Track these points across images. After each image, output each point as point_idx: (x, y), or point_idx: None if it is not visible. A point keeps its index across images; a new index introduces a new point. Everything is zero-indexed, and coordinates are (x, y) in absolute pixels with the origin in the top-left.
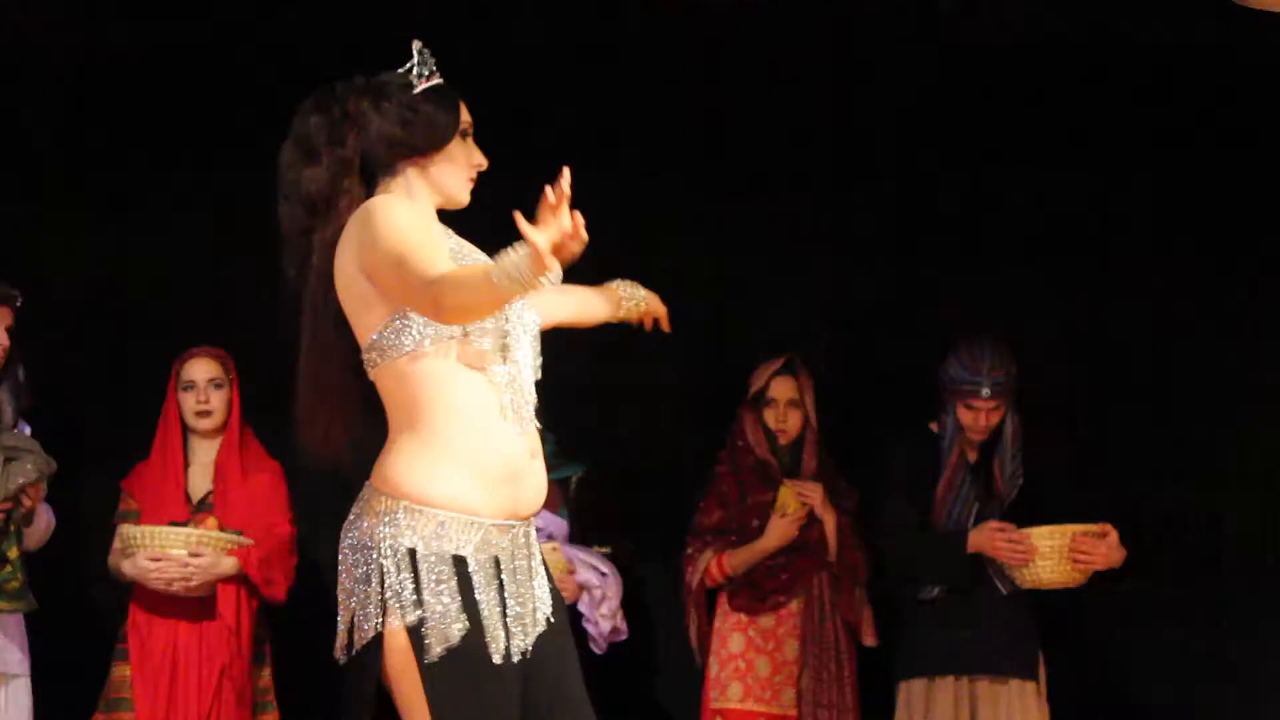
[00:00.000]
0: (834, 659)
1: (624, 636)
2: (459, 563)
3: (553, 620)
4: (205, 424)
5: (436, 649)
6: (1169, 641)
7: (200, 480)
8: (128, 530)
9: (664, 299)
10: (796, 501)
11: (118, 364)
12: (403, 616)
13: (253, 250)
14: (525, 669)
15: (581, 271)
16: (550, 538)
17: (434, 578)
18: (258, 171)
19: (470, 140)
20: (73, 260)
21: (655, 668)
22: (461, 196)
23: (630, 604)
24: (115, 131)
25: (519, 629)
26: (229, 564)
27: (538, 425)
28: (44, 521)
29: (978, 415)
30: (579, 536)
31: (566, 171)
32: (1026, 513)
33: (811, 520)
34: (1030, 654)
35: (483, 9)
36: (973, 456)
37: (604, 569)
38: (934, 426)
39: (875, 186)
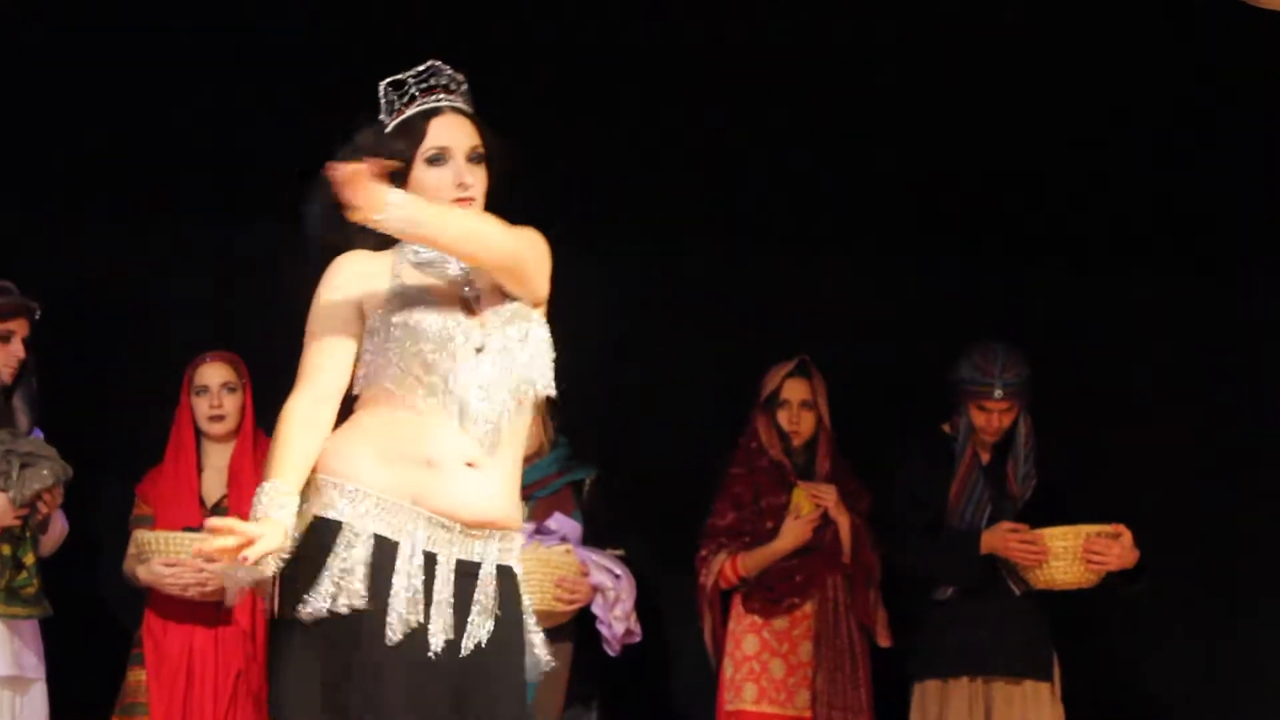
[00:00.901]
0: (848, 660)
1: (638, 639)
2: (330, 526)
3: (476, 648)
4: (219, 428)
5: (278, 606)
6: (1183, 642)
7: (214, 484)
8: (142, 535)
9: (678, 301)
10: (810, 503)
11: (131, 370)
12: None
13: (266, 254)
14: (418, 661)
15: (596, 278)
16: (564, 540)
17: (314, 541)
18: (268, 178)
19: (450, 164)
20: (82, 265)
21: (669, 670)
22: None
23: (644, 606)
24: (121, 134)
25: (401, 610)
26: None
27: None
28: (58, 528)
29: (990, 416)
30: (592, 539)
31: None
32: (1040, 513)
33: (825, 522)
34: (1044, 655)
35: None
36: (985, 458)
37: (617, 571)
38: (946, 428)
39: (887, 185)
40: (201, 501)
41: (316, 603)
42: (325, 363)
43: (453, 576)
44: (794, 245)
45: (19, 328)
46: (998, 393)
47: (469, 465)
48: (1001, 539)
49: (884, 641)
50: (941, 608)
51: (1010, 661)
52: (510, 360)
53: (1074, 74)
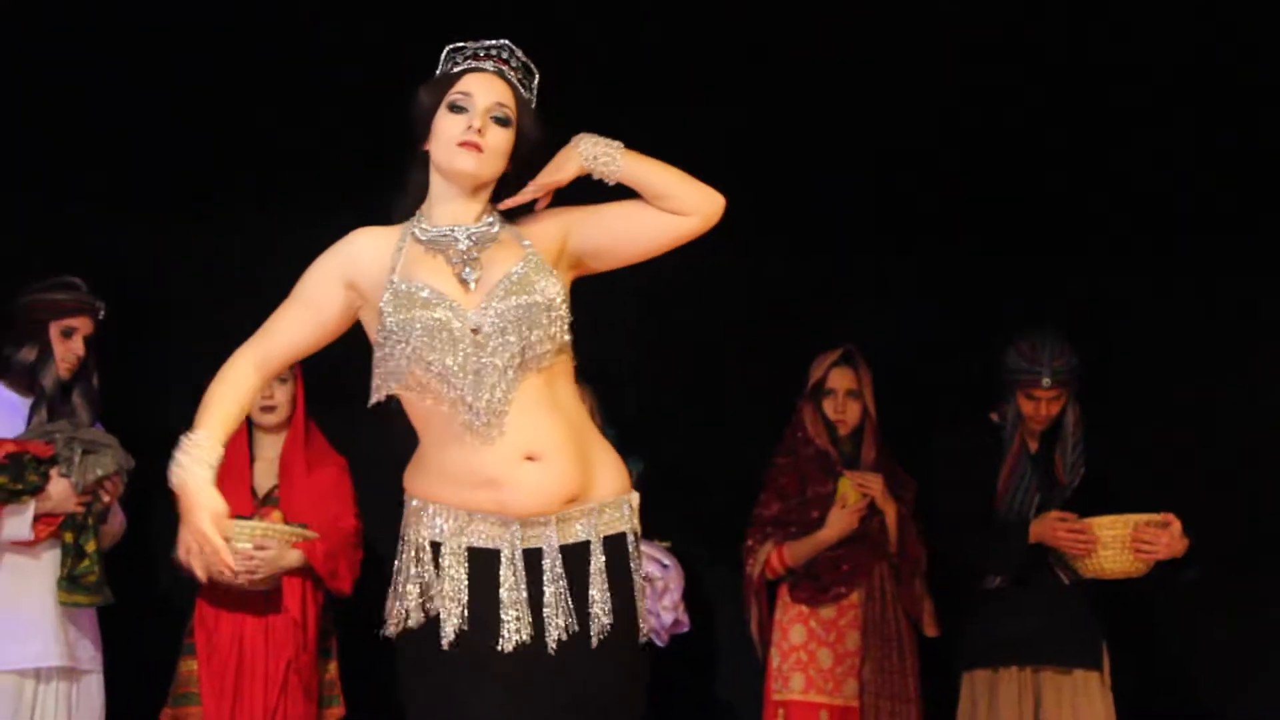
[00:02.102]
0: (896, 650)
1: (686, 629)
2: (434, 548)
3: (600, 637)
4: (270, 419)
5: (396, 628)
6: (1232, 631)
7: (265, 475)
8: None
9: (724, 293)
10: (856, 493)
11: (185, 362)
12: (395, 599)
13: (318, 246)
14: (536, 665)
15: (643, 270)
16: None
17: (409, 563)
18: (317, 167)
19: (469, 113)
20: (136, 260)
21: (717, 660)
22: (452, 166)
23: (692, 597)
24: (174, 133)
25: (513, 619)
26: (294, 557)
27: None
28: (117, 521)
29: (1038, 405)
30: (640, 529)
31: None
32: (1088, 502)
33: (872, 511)
34: (1094, 644)
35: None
36: (1034, 446)
37: (666, 561)
38: (994, 417)
39: (933, 173)
40: (253, 491)
41: (442, 626)
42: (284, 329)
43: (560, 564)
44: (840, 235)
45: (82, 325)
46: (1046, 381)
47: (529, 459)
48: (1050, 528)
49: (930, 631)
50: (990, 597)
51: (1059, 651)
52: (507, 337)
53: (1119, 64)
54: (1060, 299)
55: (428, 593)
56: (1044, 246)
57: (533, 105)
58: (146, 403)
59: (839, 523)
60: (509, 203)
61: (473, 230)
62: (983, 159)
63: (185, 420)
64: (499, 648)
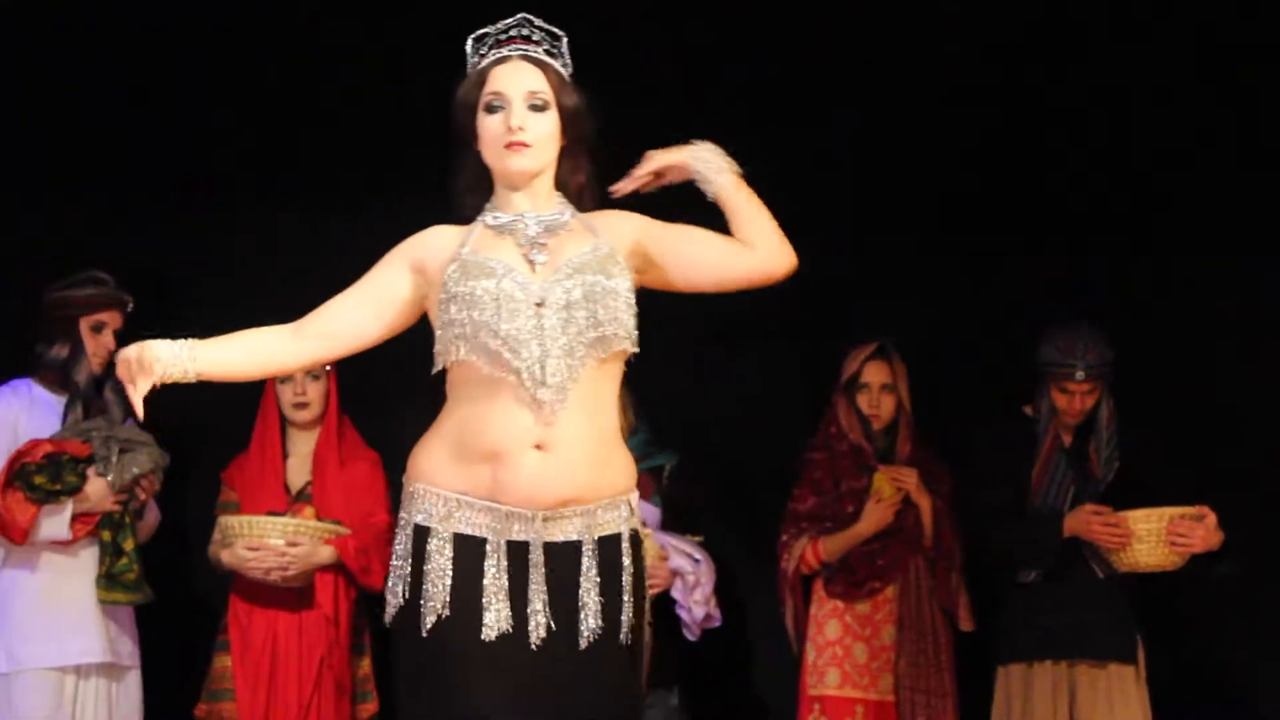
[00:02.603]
0: (931, 644)
1: (717, 623)
2: (419, 532)
3: (581, 638)
4: (303, 415)
5: (388, 615)
6: (1268, 624)
7: (299, 471)
8: (226, 520)
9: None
10: (891, 487)
11: None
12: (390, 583)
13: (352, 242)
14: (520, 660)
15: None
16: (643, 524)
17: (403, 547)
18: (354, 165)
19: (505, 110)
20: (168, 256)
21: (752, 655)
22: (506, 169)
23: (725, 592)
24: (206, 126)
25: (494, 609)
26: (326, 553)
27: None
28: (152, 516)
29: (1073, 398)
30: (672, 525)
31: None
32: (1123, 496)
33: (907, 505)
34: (1129, 638)
35: None
36: (1068, 440)
37: (697, 555)
38: (1028, 410)
39: (969, 169)
40: (286, 488)
41: (422, 613)
42: (338, 303)
43: (544, 562)
44: (874, 229)
45: (111, 320)
46: (1080, 374)
47: (537, 448)
48: (1084, 522)
49: (966, 626)
50: (1025, 591)
51: (1094, 645)
52: (574, 312)
53: (1167, 58)
54: (1094, 292)
55: (413, 577)
56: (1078, 239)
57: (568, 71)
58: (175, 397)
59: (874, 517)
60: (621, 187)
61: (543, 217)
62: (1016, 150)
63: (215, 413)
64: (482, 636)
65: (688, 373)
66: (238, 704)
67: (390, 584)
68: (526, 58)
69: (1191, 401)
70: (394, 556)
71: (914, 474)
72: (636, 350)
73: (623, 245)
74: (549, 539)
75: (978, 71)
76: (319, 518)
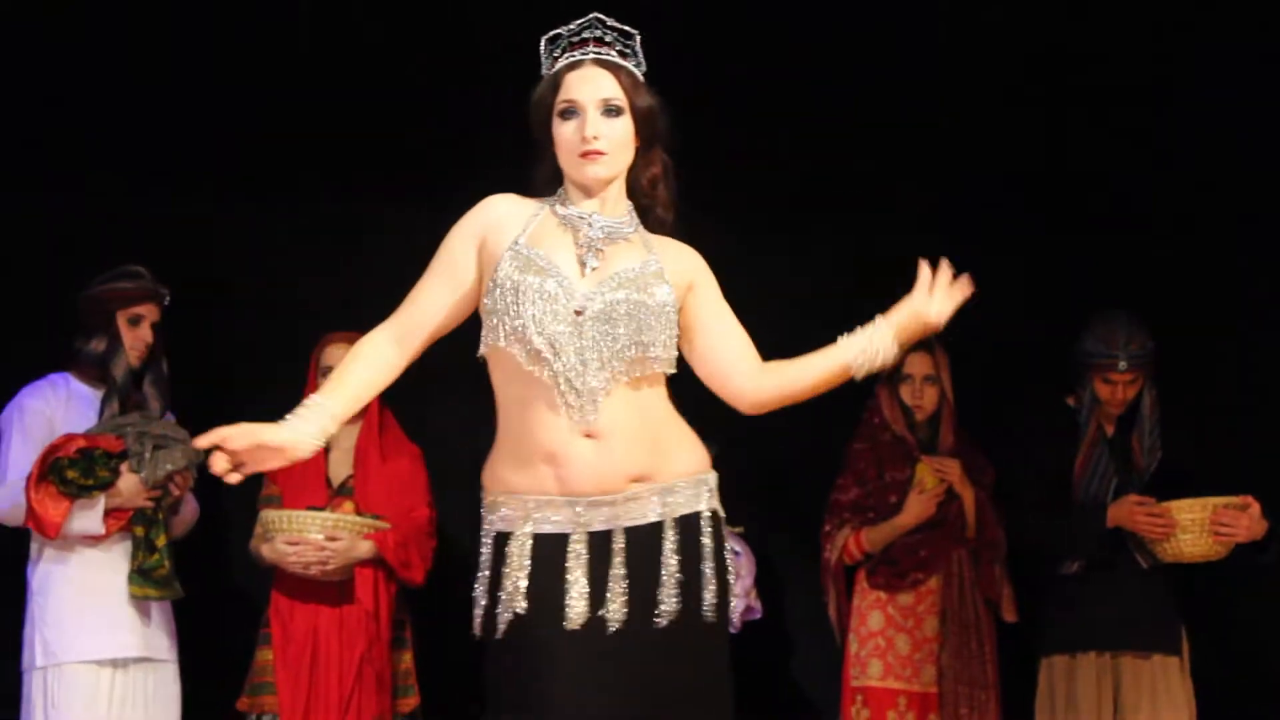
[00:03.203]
0: (975, 636)
1: (758, 615)
2: (499, 539)
3: (660, 618)
4: None
5: (476, 622)
6: None
7: (341, 465)
8: (267, 515)
9: (797, 278)
10: (934, 478)
11: (261, 351)
12: (476, 594)
13: (391, 234)
14: (603, 647)
15: (722, 254)
16: None
17: (485, 557)
18: (394, 163)
19: (580, 119)
20: (210, 248)
21: (794, 646)
22: (581, 177)
23: (766, 583)
24: (248, 116)
25: (576, 599)
26: (365, 547)
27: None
28: (190, 510)
29: (1115, 389)
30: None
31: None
32: (1166, 486)
33: (950, 496)
34: (1173, 628)
35: None
36: (1110, 430)
37: (737, 548)
38: (1071, 401)
39: (1009, 161)
40: (327, 481)
41: (500, 613)
42: (421, 300)
43: (625, 546)
44: (913, 221)
45: (149, 312)
46: (1122, 364)
47: (587, 436)
48: (1128, 512)
49: (1009, 616)
50: (1068, 582)
51: (1138, 636)
52: (614, 329)
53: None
54: (1135, 281)
55: (492, 581)
56: (1118, 228)
57: (641, 70)
58: (212, 390)
59: (917, 508)
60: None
61: (608, 223)
62: (1057, 137)
63: (251, 405)
64: (565, 627)
65: None
66: (279, 698)
67: (475, 593)
68: (599, 62)
69: (1234, 390)
70: (479, 568)
71: (957, 465)
72: (673, 372)
73: (678, 275)
74: (629, 523)
75: (1011, 66)
76: (359, 512)
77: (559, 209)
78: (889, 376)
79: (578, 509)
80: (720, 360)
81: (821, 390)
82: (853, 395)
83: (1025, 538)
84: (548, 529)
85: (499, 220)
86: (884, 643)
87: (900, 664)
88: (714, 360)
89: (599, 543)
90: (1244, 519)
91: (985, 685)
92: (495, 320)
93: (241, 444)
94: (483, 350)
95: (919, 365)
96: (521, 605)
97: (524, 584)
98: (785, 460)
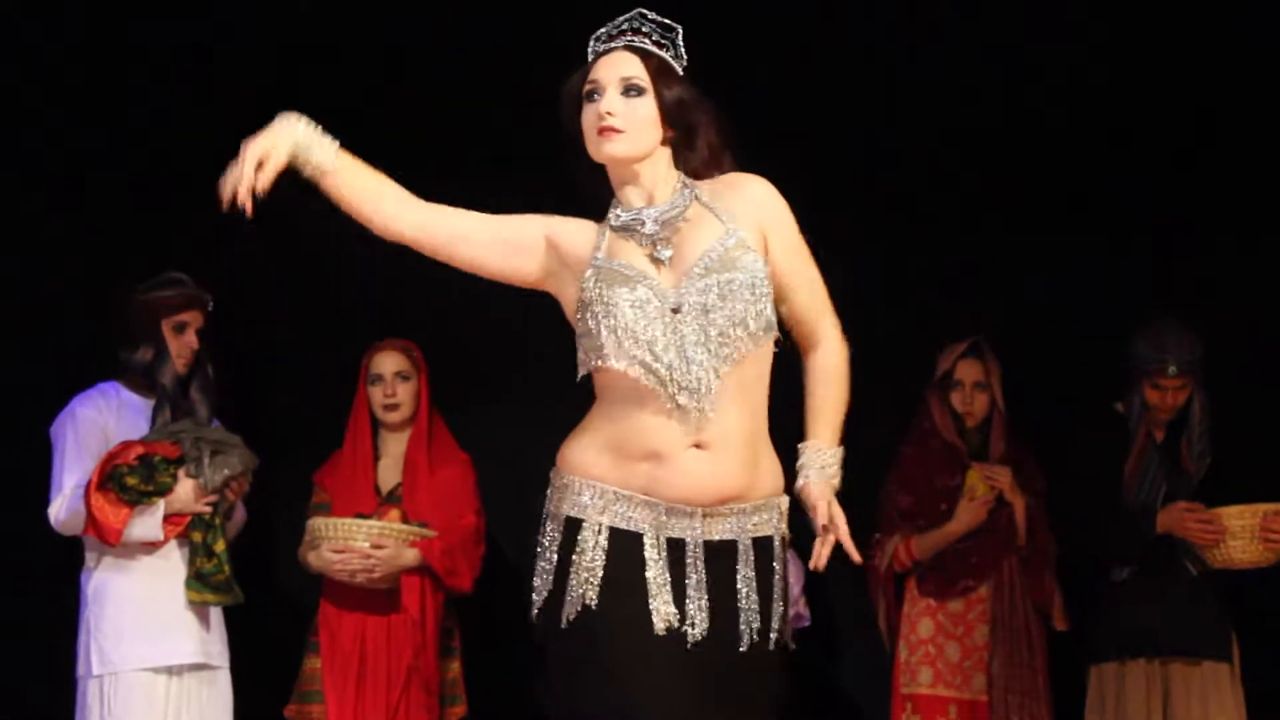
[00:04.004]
0: (1025, 644)
1: (806, 623)
2: (570, 524)
3: (748, 641)
4: (393, 417)
5: (534, 607)
6: None
7: (390, 472)
8: (313, 523)
9: (850, 281)
10: (984, 485)
11: (311, 358)
12: (537, 576)
13: None
14: (680, 656)
15: None
16: None
17: (550, 540)
18: (433, 168)
19: (601, 98)
20: (250, 252)
21: (841, 654)
22: (599, 156)
23: (816, 589)
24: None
25: (661, 604)
26: (411, 555)
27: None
28: (238, 516)
29: (1164, 394)
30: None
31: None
32: (1216, 491)
33: (1000, 504)
34: (1223, 635)
35: None
36: (1159, 436)
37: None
38: (1120, 407)
39: (1049, 165)
40: (377, 489)
41: (568, 603)
42: (460, 211)
43: (704, 560)
44: (968, 225)
45: (193, 319)
46: (1172, 369)
47: (696, 447)
48: (1178, 518)
49: (1060, 625)
50: (1118, 589)
51: (1188, 642)
52: (711, 315)
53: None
54: (1186, 286)
55: (560, 568)
56: (1168, 234)
57: (680, 63)
58: (265, 400)
59: (967, 515)
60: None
61: (660, 212)
62: (1111, 144)
63: (307, 415)
64: (655, 631)
65: (775, 366)
66: (327, 706)
67: (536, 575)
68: (629, 47)
69: None
70: (540, 549)
71: (1007, 472)
72: (778, 336)
73: (753, 225)
74: (707, 537)
75: (1058, 71)
76: (406, 520)
77: (614, 221)
78: (939, 382)
79: (660, 511)
80: (791, 319)
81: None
82: (902, 400)
83: (1075, 544)
84: (622, 525)
85: (570, 231)
86: (934, 650)
87: (950, 671)
88: (788, 318)
89: (674, 550)
90: None
91: (1035, 694)
92: (593, 340)
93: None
94: (584, 371)
95: (970, 372)
96: (593, 597)
97: (600, 574)
98: None
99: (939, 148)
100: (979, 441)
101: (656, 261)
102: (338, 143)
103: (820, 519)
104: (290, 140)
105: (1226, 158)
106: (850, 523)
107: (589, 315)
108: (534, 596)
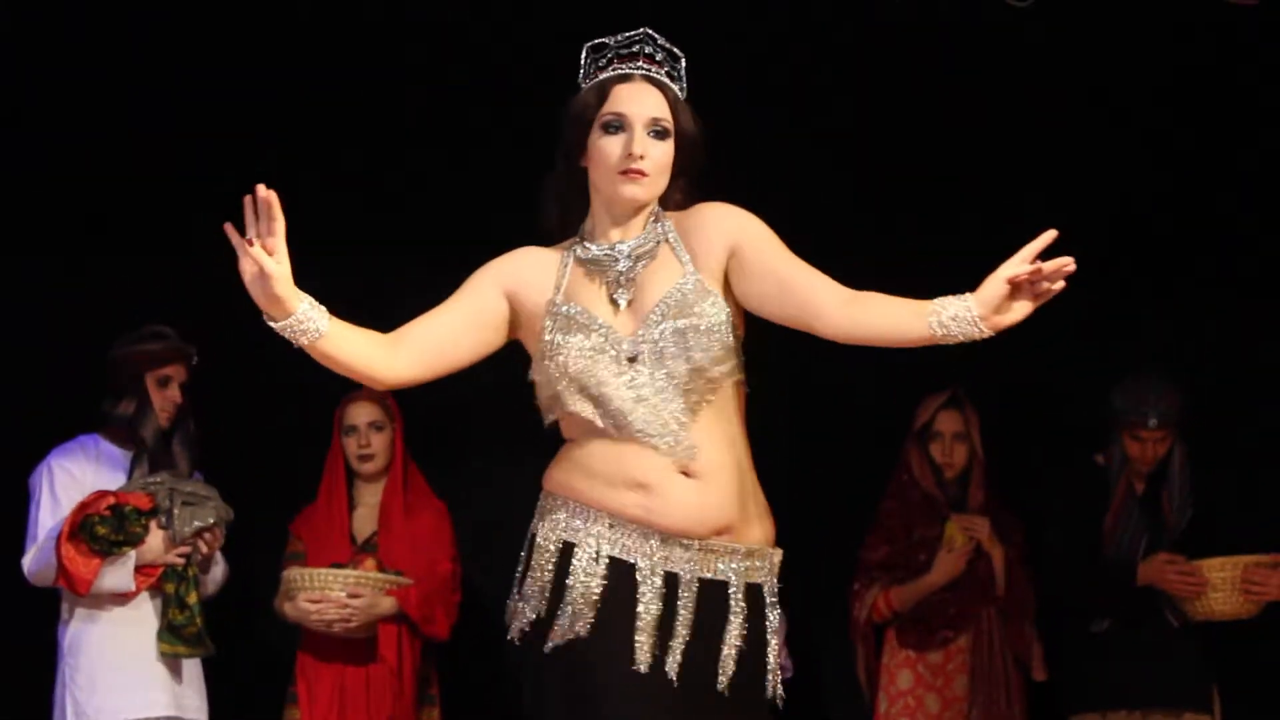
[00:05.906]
0: (1004, 695)
1: (789, 674)
2: (565, 549)
3: (730, 685)
4: (368, 467)
5: (516, 630)
6: None
7: (366, 522)
8: (289, 573)
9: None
10: (962, 536)
11: (286, 410)
12: (518, 599)
13: (421, 290)
14: (662, 693)
15: None
16: None
17: (539, 561)
18: (417, 218)
19: (626, 134)
20: (233, 306)
21: (822, 705)
22: (619, 195)
23: (796, 641)
24: (271, 171)
25: (646, 640)
26: (387, 604)
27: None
28: (220, 571)
29: (1145, 446)
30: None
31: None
32: (1197, 543)
33: (979, 554)
34: (1204, 687)
35: None
36: (1140, 488)
37: None
38: (1100, 459)
39: (1040, 216)
40: (351, 538)
41: (558, 629)
42: (428, 330)
43: (696, 597)
44: (941, 273)
45: (176, 373)
46: (1152, 422)
47: (684, 474)
48: (1159, 570)
49: (1039, 675)
50: (1098, 640)
51: (1169, 694)
52: (670, 364)
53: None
54: (1164, 338)
55: (554, 593)
56: (1145, 285)
57: (684, 94)
58: (243, 453)
59: (946, 566)
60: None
61: (634, 246)
62: (1095, 199)
63: (283, 467)
64: (633, 666)
65: (754, 420)
66: None
67: (520, 596)
68: (649, 79)
69: (1265, 447)
70: (525, 569)
71: (986, 523)
72: (741, 377)
73: (715, 259)
74: (703, 575)
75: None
76: (382, 568)
77: (581, 253)
78: (918, 433)
79: (654, 542)
80: (797, 304)
81: (904, 344)
82: (882, 452)
83: (1056, 596)
84: (618, 554)
85: (529, 275)
86: (913, 701)
87: None
88: (791, 306)
89: (669, 585)
90: (1275, 577)
91: None
92: (556, 387)
93: (271, 265)
94: (550, 420)
95: (949, 423)
96: (585, 626)
97: (594, 601)
98: (812, 517)
99: (920, 189)
100: (958, 492)
101: (613, 304)
102: (323, 312)
103: (1003, 271)
104: (289, 288)
105: (1204, 204)
106: (830, 574)
107: (549, 362)
108: (515, 619)
